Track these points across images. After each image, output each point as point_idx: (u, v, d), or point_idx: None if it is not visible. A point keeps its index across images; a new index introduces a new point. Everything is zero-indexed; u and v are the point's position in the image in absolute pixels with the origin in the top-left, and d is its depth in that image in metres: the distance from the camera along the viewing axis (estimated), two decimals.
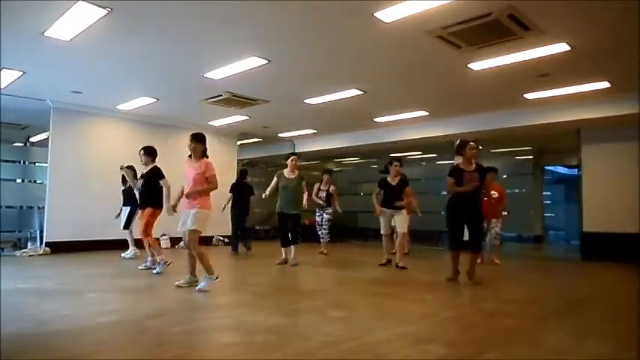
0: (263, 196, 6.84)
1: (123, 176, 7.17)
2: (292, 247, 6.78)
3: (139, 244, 6.67)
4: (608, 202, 7.91)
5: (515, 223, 11.30)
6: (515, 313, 3.84)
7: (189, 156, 4.72)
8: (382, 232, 6.66)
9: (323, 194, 8.35)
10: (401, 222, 6.45)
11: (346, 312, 3.70)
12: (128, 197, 7.28)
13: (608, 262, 7.46)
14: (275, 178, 6.77)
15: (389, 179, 6.56)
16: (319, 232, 8.49)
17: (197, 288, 4.47)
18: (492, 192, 6.66)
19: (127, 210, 7.35)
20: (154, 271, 5.66)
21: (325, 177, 8.47)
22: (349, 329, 3.16)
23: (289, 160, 6.82)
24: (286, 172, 6.78)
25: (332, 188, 8.42)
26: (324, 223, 8.44)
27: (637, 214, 7.45)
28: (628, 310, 4.14)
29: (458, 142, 5.37)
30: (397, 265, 6.37)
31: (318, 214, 8.52)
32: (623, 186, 7.75)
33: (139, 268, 6.00)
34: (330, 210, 8.39)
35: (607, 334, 3.19)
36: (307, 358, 2.56)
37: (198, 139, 4.67)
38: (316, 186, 8.39)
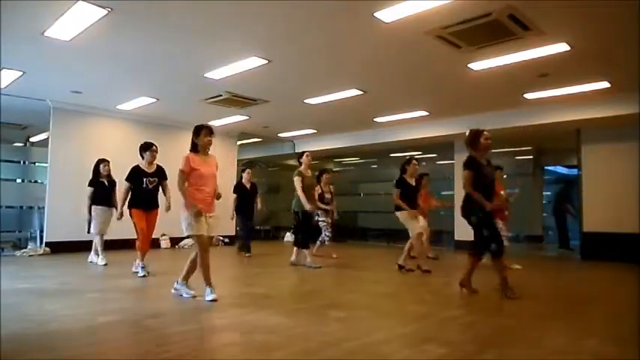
0: (304, 200, 6.26)
1: (98, 172, 6.67)
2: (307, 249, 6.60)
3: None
4: (608, 202, 7.91)
5: (515, 223, 11.30)
6: (515, 313, 3.84)
7: (195, 151, 4.10)
8: (417, 232, 5.99)
9: (328, 196, 7.82)
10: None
11: (346, 312, 3.70)
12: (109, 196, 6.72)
13: (608, 262, 7.46)
14: (299, 177, 6.38)
15: (407, 178, 6.15)
16: (326, 234, 7.89)
17: (211, 298, 3.97)
18: (502, 191, 6.49)
19: (109, 210, 6.65)
20: (140, 274, 5.43)
21: (325, 177, 7.89)
22: (349, 329, 3.16)
23: (304, 157, 6.53)
24: (304, 170, 6.48)
25: (332, 188, 8.08)
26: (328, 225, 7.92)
27: (637, 214, 7.45)
28: (628, 310, 4.14)
29: (468, 132, 4.59)
30: (422, 269, 5.97)
31: (323, 217, 7.80)
32: (623, 186, 7.74)
33: (142, 275, 5.46)
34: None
35: (607, 334, 3.19)
36: (307, 358, 2.56)
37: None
38: (318, 188, 7.57)
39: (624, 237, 7.62)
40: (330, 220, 7.92)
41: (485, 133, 4.44)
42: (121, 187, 5.80)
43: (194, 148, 4.10)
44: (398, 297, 4.55)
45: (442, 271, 6.19)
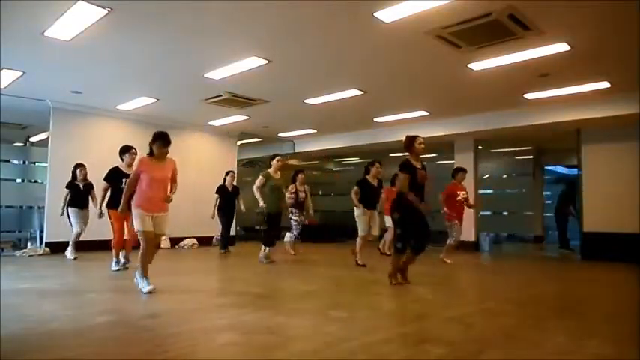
0: (257, 197, 6.65)
1: (75, 176, 7.18)
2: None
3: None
4: (608, 202, 7.91)
5: (516, 223, 11.31)
6: (515, 313, 3.84)
7: (150, 156, 4.38)
8: (363, 233, 6.68)
9: (303, 195, 7.95)
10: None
11: (346, 312, 3.70)
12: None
13: (608, 262, 7.46)
14: (262, 178, 6.77)
15: (370, 179, 6.67)
16: (295, 233, 8.07)
17: (148, 290, 4.26)
18: (462, 192, 7.04)
19: (83, 211, 7.19)
20: (114, 268, 5.82)
21: (300, 177, 7.97)
22: (349, 329, 3.15)
23: (275, 161, 6.92)
24: (272, 172, 6.86)
25: (307, 188, 8.15)
26: (301, 224, 8.13)
27: (637, 214, 7.46)
28: (628, 310, 4.13)
29: (405, 137, 5.13)
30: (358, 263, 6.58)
31: (296, 216, 7.96)
32: (623, 186, 7.75)
33: (117, 269, 5.82)
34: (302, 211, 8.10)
35: (607, 335, 3.19)
36: (307, 358, 2.56)
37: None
38: (292, 187, 7.78)
39: (624, 237, 7.62)
40: (303, 219, 8.13)
41: (419, 138, 4.97)
42: (99, 187, 6.11)
43: (150, 152, 4.39)
44: (398, 297, 4.55)
45: (440, 271, 6.18)
